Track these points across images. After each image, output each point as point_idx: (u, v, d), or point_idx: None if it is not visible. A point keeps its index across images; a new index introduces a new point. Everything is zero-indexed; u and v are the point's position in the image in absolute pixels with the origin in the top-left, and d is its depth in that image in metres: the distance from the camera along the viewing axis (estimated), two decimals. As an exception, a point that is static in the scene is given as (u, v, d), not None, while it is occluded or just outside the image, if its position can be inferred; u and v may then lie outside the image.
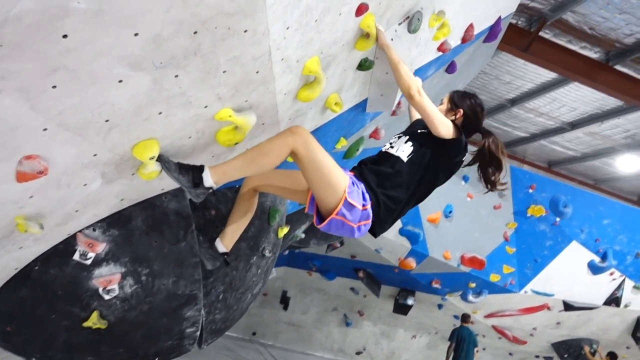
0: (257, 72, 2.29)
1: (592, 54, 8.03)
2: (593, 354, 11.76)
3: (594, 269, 10.50)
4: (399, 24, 3.08)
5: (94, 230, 2.73)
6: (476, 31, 4.18)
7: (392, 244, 9.52)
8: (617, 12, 6.99)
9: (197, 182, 2.33)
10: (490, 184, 2.92)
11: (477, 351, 9.97)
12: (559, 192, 10.21)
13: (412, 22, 3.12)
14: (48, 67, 1.60)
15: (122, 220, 2.81)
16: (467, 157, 2.98)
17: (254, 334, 12.94)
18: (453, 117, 2.92)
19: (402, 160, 2.73)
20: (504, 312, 11.14)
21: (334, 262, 11.17)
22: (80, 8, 1.48)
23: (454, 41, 3.96)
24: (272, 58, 2.26)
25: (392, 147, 2.84)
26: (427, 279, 10.36)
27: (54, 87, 1.67)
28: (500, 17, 4.67)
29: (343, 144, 3.95)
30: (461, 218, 9.65)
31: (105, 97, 1.85)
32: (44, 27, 1.47)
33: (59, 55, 1.58)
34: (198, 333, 3.60)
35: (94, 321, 2.96)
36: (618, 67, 8.14)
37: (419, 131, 2.89)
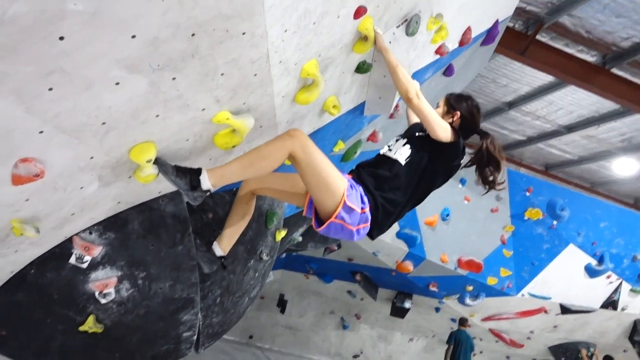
0: (255, 75, 2.28)
1: (589, 57, 8.05)
2: (590, 357, 11.76)
3: (591, 272, 10.51)
4: (397, 27, 3.08)
5: (91, 233, 2.71)
6: (474, 34, 4.19)
7: (390, 247, 9.51)
8: (613, 16, 7.01)
9: (195, 185, 2.32)
10: (489, 184, 2.92)
11: (474, 354, 9.97)
12: (556, 195, 10.22)
13: (410, 25, 3.12)
14: (44, 69, 1.58)
15: (119, 223, 2.79)
16: (465, 159, 2.98)
17: (250, 337, 12.90)
18: (450, 120, 2.93)
19: (400, 164, 2.73)
20: (501, 316, 11.13)
21: (331, 265, 11.15)
22: (77, 10, 1.47)
23: (452, 44, 3.96)
24: (270, 61, 2.26)
25: (390, 150, 2.84)
26: (424, 282, 10.34)
27: (50, 89, 1.65)
28: (497, 20, 4.68)
29: (341, 147, 3.95)
30: (458, 221, 9.65)
31: (102, 100, 1.84)
32: (40, 29, 1.46)
33: (55, 57, 1.56)
34: (195, 337, 3.58)
35: (90, 325, 2.94)
36: (614, 71, 8.16)
37: (417, 134, 2.90)
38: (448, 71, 4.52)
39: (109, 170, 2.26)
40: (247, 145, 2.80)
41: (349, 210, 2.47)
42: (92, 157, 2.10)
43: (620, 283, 10.85)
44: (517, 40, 7.71)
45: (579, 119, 10.38)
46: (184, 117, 2.22)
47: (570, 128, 10.82)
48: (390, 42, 3.02)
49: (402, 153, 2.77)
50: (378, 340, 13.26)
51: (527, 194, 10.07)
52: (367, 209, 2.56)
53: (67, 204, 2.31)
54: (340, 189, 2.46)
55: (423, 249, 9.52)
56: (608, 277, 10.65)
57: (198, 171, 2.34)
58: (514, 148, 12.49)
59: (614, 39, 7.55)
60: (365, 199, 2.57)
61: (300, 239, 6.10)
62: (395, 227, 9.14)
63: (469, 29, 4.07)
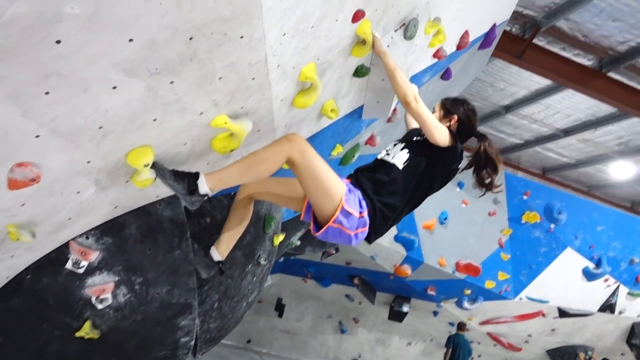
0: (253, 79, 2.27)
1: (586, 61, 8.07)
2: (588, 360, 11.77)
3: (589, 275, 10.52)
4: (395, 31, 3.08)
5: (87, 238, 2.69)
6: (471, 38, 4.20)
7: (387, 251, 9.50)
8: (610, 20, 7.04)
9: (192, 189, 2.30)
10: (486, 186, 2.92)
11: (471, 358, 9.97)
12: (553, 199, 10.24)
13: (408, 29, 3.12)
14: (41, 72, 1.57)
15: (116, 228, 2.77)
16: (463, 162, 2.99)
17: (248, 341, 12.86)
18: (448, 124, 2.93)
19: (398, 168, 2.73)
20: (499, 319, 11.13)
21: (329, 269, 11.14)
22: (74, 13, 1.46)
23: (450, 48, 3.97)
24: (269, 64, 2.25)
25: (388, 154, 2.84)
26: (422, 285, 10.34)
27: (47, 93, 1.64)
28: (495, 24, 4.69)
29: (339, 151, 3.94)
30: (456, 225, 9.66)
31: (99, 104, 1.82)
32: (37, 32, 1.45)
33: (52, 60, 1.55)
34: (192, 342, 3.56)
35: (87, 331, 2.92)
36: (611, 75, 8.19)
37: (415, 139, 2.90)
38: (446, 75, 4.53)
39: (105, 175, 2.25)
40: (245, 150, 2.78)
41: (347, 214, 2.46)
42: (89, 161, 2.09)
43: (618, 286, 10.87)
44: (514, 44, 7.73)
45: (576, 123, 10.40)
46: (181, 121, 2.21)
47: (567, 131, 10.84)
48: (388, 46, 3.02)
49: (400, 157, 2.77)
50: (376, 344, 13.24)
51: (525, 197, 10.09)
52: (365, 213, 2.55)
53: (63, 208, 2.29)
54: (338, 194, 2.45)
55: (421, 252, 9.53)
56: (605, 280, 10.67)
57: (196, 175, 2.32)
58: (511, 152, 12.51)
59: (611, 43, 7.57)
60: (364, 204, 2.56)
61: (298, 243, 6.10)
62: (393, 230, 9.14)
63: (466, 33, 4.08)
